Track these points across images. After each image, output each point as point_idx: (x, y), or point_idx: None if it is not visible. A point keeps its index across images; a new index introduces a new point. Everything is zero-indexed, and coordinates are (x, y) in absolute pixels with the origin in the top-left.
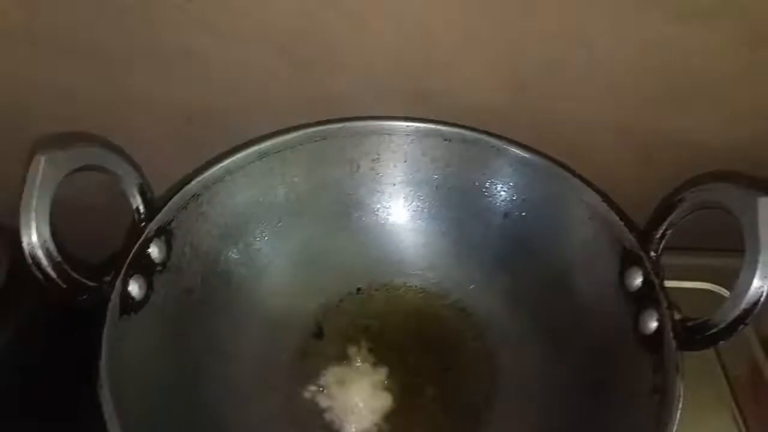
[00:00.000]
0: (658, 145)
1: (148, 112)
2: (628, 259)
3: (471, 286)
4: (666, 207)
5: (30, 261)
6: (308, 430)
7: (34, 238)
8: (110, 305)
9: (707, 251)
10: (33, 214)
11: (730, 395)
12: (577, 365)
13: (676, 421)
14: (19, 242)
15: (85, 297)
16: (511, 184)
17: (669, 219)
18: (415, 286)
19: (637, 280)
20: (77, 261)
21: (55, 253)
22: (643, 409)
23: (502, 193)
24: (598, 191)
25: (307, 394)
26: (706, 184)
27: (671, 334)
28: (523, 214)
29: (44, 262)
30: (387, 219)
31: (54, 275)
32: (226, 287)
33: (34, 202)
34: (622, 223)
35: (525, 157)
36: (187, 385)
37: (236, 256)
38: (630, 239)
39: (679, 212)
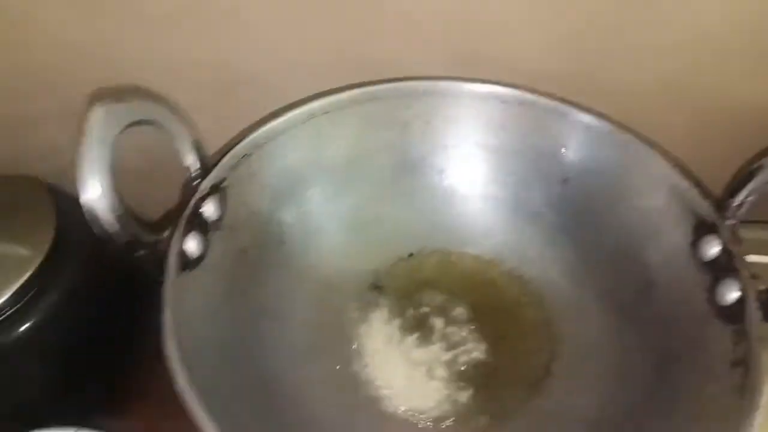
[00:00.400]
0: (724, 111)
1: (191, 74)
2: (703, 228)
3: (529, 254)
4: (747, 173)
5: (89, 215)
6: (358, 397)
7: (95, 190)
8: (169, 261)
9: None
10: (94, 165)
11: None
12: (644, 336)
13: (763, 394)
14: (64, 204)
15: (143, 252)
16: (571, 148)
17: (749, 186)
18: (470, 253)
19: (713, 250)
20: (135, 218)
21: (116, 205)
22: (723, 382)
23: (562, 157)
24: (669, 156)
25: (357, 361)
26: None
27: (755, 305)
28: (585, 180)
29: (104, 215)
30: (440, 184)
31: (114, 229)
32: (279, 248)
33: (93, 154)
34: (696, 191)
35: (587, 120)
36: (243, 343)
37: (288, 218)
38: (705, 207)
39: (761, 179)
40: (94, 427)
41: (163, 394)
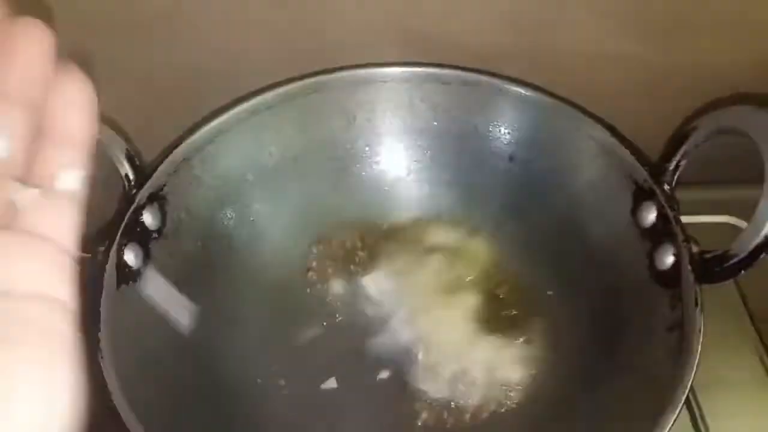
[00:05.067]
0: (665, 77)
1: (131, 78)
2: (641, 195)
3: (479, 236)
4: (679, 136)
5: None
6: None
7: None
8: (106, 275)
9: (722, 184)
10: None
11: (753, 330)
12: (592, 306)
13: (697, 355)
14: None
15: (79, 270)
16: (515, 125)
17: (683, 148)
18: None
19: (651, 216)
20: None
21: None
22: (662, 345)
23: (506, 135)
24: (607, 125)
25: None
26: (722, 108)
27: (689, 268)
28: (529, 156)
29: None
30: (389, 171)
31: None
32: (227, 251)
33: None
34: (633, 158)
35: (528, 95)
36: (190, 348)
37: (234, 219)
38: (642, 173)
39: (694, 140)
40: None
41: None
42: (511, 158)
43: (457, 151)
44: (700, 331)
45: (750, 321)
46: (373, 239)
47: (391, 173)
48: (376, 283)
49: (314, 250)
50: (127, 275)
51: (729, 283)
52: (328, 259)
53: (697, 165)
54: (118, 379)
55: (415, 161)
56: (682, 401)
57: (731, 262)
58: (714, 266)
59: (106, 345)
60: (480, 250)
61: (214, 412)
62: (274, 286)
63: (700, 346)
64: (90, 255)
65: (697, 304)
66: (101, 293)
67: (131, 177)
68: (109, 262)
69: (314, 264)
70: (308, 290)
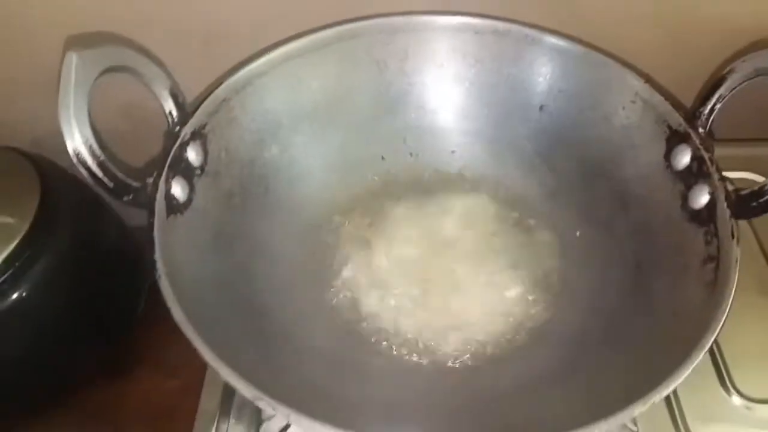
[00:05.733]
0: (695, 31)
1: (161, 33)
2: (675, 139)
3: (508, 182)
4: (715, 81)
5: (75, 160)
6: (348, 325)
7: (76, 136)
8: (157, 204)
9: (745, 141)
10: (71, 112)
11: None
12: (622, 247)
13: (734, 284)
14: (47, 171)
15: (130, 197)
16: (546, 75)
17: (718, 92)
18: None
19: (685, 158)
20: (120, 163)
21: (98, 151)
22: (697, 279)
23: (538, 85)
24: (641, 73)
25: (342, 292)
26: (759, 51)
27: (725, 204)
28: (560, 105)
29: (89, 160)
30: (420, 120)
31: (100, 173)
32: (264, 192)
33: (71, 100)
34: (667, 103)
35: (561, 45)
36: (235, 281)
37: (271, 162)
38: (677, 118)
39: (729, 84)
40: (94, 394)
41: (161, 358)
42: (541, 108)
43: (489, 101)
44: (736, 261)
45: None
46: (403, 186)
47: (423, 122)
48: (406, 226)
49: (346, 195)
50: (174, 207)
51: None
52: (359, 203)
53: (720, 124)
54: (174, 294)
55: (446, 110)
56: (720, 325)
57: (767, 197)
58: (750, 201)
59: (161, 266)
60: (508, 196)
61: (258, 337)
62: (309, 227)
63: (737, 276)
64: (140, 185)
65: (733, 236)
66: (154, 220)
67: (174, 114)
68: (159, 193)
69: (346, 207)
70: (340, 232)
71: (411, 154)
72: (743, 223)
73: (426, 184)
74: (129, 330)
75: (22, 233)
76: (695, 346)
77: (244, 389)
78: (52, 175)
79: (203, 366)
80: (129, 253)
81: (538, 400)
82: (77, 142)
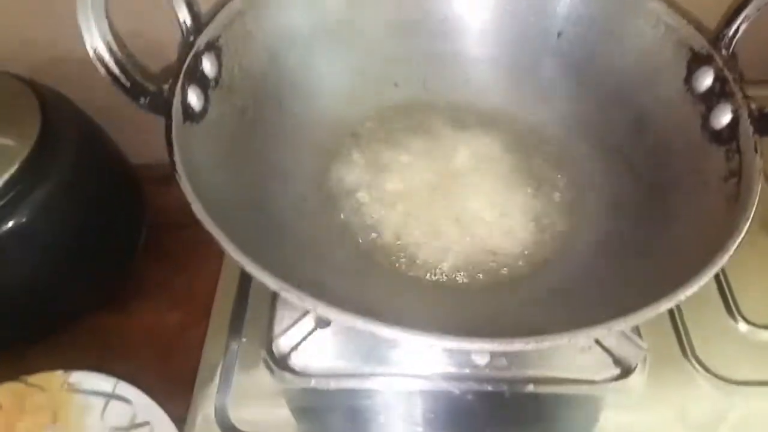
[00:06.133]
0: None
1: None
2: (697, 61)
3: (526, 109)
4: (741, 1)
5: (93, 56)
6: (360, 244)
7: (94, 32)
8: (174, 109)
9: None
10: (89, 7)
11: None
12: (645, 169)
13: (757, 195)
14: (48, 98)
15: (147, 100)
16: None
17: (744, 12)
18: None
19: (707, 80)
20: (137, 65)
21: (116, 49)
22: (718, 193)
23: (556, 10)
24: None
25: (353, 208)
26: None
27: (747, 121)
28: (579, 31)
29: (107, 56)
30: (436, 48)
31: (117, 71)
32: (278, 110)
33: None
34: (690, 26)
35: None
36: (249, 196)
37: (284, 79)
38: (700, 40)
39: (756, 3)
40: (95, 326)
41: (161, 291)
42: (559, 35)
43: (505, 28)
44: (760, 173)
45: None
46: (416, 113)
47: (439, 49)
48: (418, 154)
49: (358, 118)
50: (190, 115)
51: None
52: (371, 128)
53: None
54: (194, 191)
55: (462, 35)
56: (742, 234)
57: None
58: None
59: (180, 167)
60: (523, 125)
61: (272, 243)
62: (321, 147)
63: (759, 188)
64: (156, 89)
65: (756, 151)
66: (171, 123)
67: (188, 23)
68: (175, 99)
69: (358, 131)
70: (352, 155)
71: (424, 81)
72: None
73: (438, 112)
74: (130, 263)
75: (23, 157)
76: (719, 251)
77: (271, 281)
78: (52, 102)
79: (204, 300)
80: (130, 187)
81: (553, 310)
82: (95, 37)
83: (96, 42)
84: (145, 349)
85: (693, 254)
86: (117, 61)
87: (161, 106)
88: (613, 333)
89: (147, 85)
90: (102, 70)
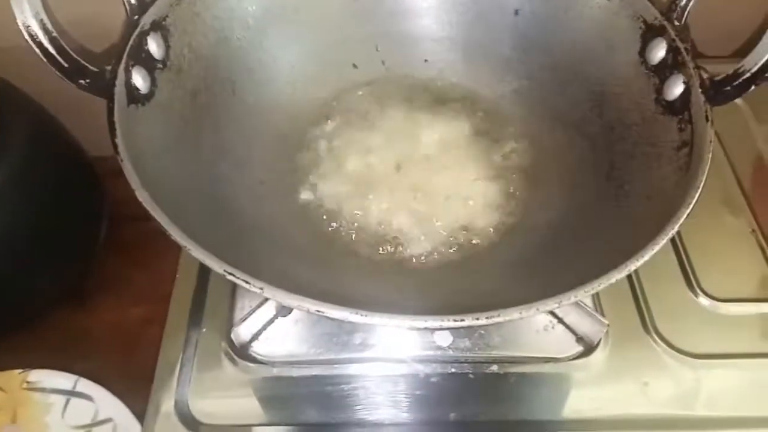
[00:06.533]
0: None
1: None
2: (651, 33)
3: (483, 88)
4: None
5: (26, 34)
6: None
7: (25, 7)
8: (116, 91)
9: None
10: None
11: (736, 184)
12: (604, 142)
13: (708, 163)
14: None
15: (87, 81)
16: None
17: None
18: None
19: (661, 52)
20: (76, 44)
21: (50, 26)
22: (671, 164)
23: None
24: None
25: (313, 192)
26: None
27: (699, 90)
28: (535, 8)
29: (40, 34)
30: (392, 26)
31: (53, 50)
32: (231, 94)
33: None
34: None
35: None
36: (200, 181)
37: (237, 63)
38: (652, 12)
39: None
40: (57, 322)
41: (123, 286)
42: (516, 12)
43: (463, 7)
44: (710, 142)
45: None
46: (375, 95)
47: (396, 28)
48: (376, 134)
49: (316, 101)
50: (135, 97)
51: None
52: (328, 110)
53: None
54: (138, 177)
55: (420, 15)
56: (692, 203)
57: (743, 78)
58: (724, 86)
59: (123, 150)
60: (482, 104)
61: (222, 226)
62: (276, 131)
63: (710, 156)
64: (98, 70)
65: (707, 120)
66: (113, 106)
67: (133, 2)
68: (118, 80)
69: (315, 114)
70: (309, 138)
71: (383, 62)
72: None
73: (398, 93)
74: (90, 258)
75: None
76: (670, 219)
77: (215, 264)
78: (2, 91)
79: (167, 293)
80: (88, 179)
81: (512, 283)
82: (27, 14)
83: (28, 19)
84: (108, 345)
85: (647, 225)
86: (51, 40)
87: (104, 88)
88: (564, 306)
89: (87, 66)
90: (36, 49)
